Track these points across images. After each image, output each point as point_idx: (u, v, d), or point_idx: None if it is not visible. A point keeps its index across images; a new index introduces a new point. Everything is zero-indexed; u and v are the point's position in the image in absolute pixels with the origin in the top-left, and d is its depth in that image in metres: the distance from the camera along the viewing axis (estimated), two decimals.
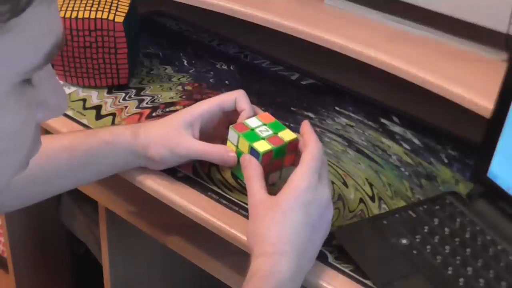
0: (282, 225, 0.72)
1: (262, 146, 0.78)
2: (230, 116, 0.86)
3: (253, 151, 0.78)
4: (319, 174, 0.75)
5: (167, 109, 1.02)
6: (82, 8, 1.00)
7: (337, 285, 0.74)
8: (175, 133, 0.83)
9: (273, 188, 0.77)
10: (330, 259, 0.77)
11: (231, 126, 0.81)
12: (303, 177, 0.73)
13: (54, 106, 0.50)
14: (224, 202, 0.84)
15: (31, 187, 0.83)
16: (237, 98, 0.85)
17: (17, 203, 0.86)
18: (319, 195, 0.74)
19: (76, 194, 1.31)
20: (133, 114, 1.00)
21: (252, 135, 0.80)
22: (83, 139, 0.85)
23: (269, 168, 0.80)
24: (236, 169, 0.81)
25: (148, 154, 0.84)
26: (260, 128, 0.81)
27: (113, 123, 0.98)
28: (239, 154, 0.80)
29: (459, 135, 1.01)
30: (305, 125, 0.79)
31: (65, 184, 0.88)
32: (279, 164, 0.81)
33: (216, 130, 0.86)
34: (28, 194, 0.84)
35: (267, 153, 0.78)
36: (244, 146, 0.79)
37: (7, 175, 0.50)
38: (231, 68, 1.16)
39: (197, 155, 0.83)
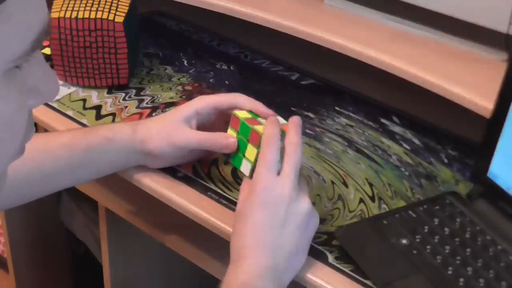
0: (244, 231, 0.73)
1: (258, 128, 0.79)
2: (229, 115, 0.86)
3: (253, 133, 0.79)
4: (283, 164, 0.74)
5: (167, 109, 1.02)
6: (82, 8, 1.00)
7: (337, 285, 0.74)
8: (173, 126, 0.84)
9: None
10: (330, 259, 0.77)
11: (233, 111, 0.82)
12: (258, 177, 0.74)
13: (45, 91, 0.50)
14: (224, 202, 0.84)
15: (30, 184, 0.83)
16: (239, 102, 0.84)
17: (16, 200, 0.86)
18: (278, 191, 0.73)
19: (75, 194, 1.31)
20: (133, 114, 1.00)
21: (253, 121, 0.81)
22: (82, 136, 0.85)
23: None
24: (234, 159, 0.81)
25: (147, 148, 0.84)
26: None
27: (113, 123, 0.98)
28: (239, 141, 0.81)
29: (459, 135, 1.01)
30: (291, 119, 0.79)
31: (64, 181, 0.88)
32: None
33: (213, 125, 0.86)
34: (27, 191, 0.84)
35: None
36: (245, 131, 0.80)
37: (3, 162, 0.50)
38: (231, 68, 1.16)
39: (196, 143, 0.83)
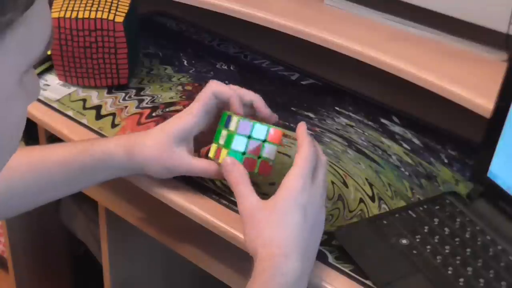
0: (282, 228, 0.72)
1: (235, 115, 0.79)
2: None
3: (228, 118, 0.79)
4: (315, 176, 0.75)
5: (167, 109, 1.02)
6: (82, 8, 1.00)
7: (337, 285, 0.74)
8: (169, 153, 0.81)
9: (264, 196, 0.76)
10: (330, 259, 0.77)
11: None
12: (297, 178, 0.73)
13: (31, 92, 0.51)
14: (224, 202, 0.84)
15: (23, 198, 0.84)
16: (241, 94, 0.83)
17: (9, 213, 0.87)
18: (313, 196, 0.74)
19: (76, 194, 1.31)
20: (133, 114, 1.00)
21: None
22: (77, 155, 0.84)
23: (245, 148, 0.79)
24: None
25: (145, 172, 0.84)
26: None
27: (113, 123, 0.98)
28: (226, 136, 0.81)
29: (459, 135, 1.01)
30: (300, 127, 0.79)
31: (59, 194, 0.89)
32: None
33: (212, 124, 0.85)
34: (20, 205, 0.85)
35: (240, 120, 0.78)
36: (220, 134, 0.80)
37: (7, 159, 0.51)
38: (231, 68, 1.16)
39: (198, 174, 0.83)
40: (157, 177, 0.85)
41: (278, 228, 0.72)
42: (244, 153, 0.78)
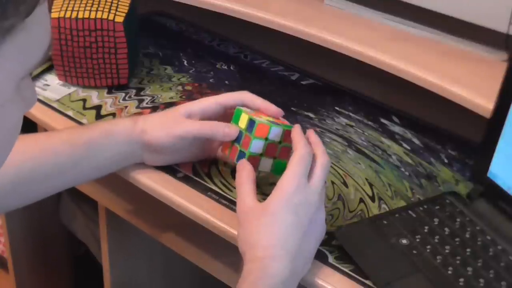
0: (272, 229, 0.72)
1: (260, 119, 0.80)
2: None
3: (251, 122, 0.79)
4: (312, 176, 0.75)
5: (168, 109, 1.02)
6: (82, 8, 1.00)
7: (337, 285, 0.74)
8: (174, 119, 0.84)
9: (265, 196, 0.76)
10: (330, 259, 0.77)
11: (237, 107, 0.82)
12: (289, 180, 0.74)
13: (28, 98, 0.51)
14: (224, 202, 0.84)
15: (31, 184, 0.82)
16: (246, 99, 0.85)
17: (17, 201, 0.85)
18: (308, 198, 0.74)
19: (75, 194, 1.31)
20: (133, 114, 1.00)
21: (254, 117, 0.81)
22: (83, 131, 0.86)
23: (262, 149, 0.80)
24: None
25: (146, 139, 0.83)
26: (265, 117, 0.82)
27: None
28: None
29: (459, 135, 1.01)
30: (295, 130, 0.79)
31: (65, 179, 0.86)
32: (273, 151, 0.81)
33: None
34: (27, 191, 0.84)
35: (263, 126, 0.79)
36: (243, 120, 0.80)
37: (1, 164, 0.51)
38: (231, 68, 1.16)
39: (196, 131, 0.83)
40: (154, 149, 0.84)
41: (267, 229, 0.72)
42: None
